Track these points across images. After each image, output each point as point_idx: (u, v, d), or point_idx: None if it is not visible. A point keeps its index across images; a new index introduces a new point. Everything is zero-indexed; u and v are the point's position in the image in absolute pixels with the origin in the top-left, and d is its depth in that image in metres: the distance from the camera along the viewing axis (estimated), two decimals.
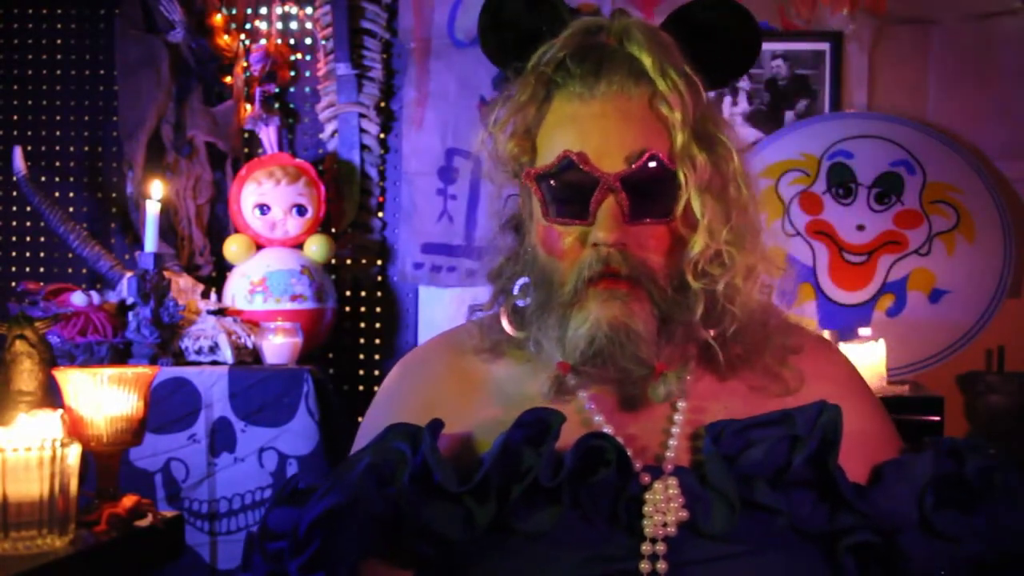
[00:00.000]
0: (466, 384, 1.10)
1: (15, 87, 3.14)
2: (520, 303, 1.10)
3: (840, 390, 1.06)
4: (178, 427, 2.42)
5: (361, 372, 3.09)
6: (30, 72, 3.14)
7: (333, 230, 3.02)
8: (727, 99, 2.92)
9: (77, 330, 2.42)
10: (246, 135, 3.07)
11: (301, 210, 2.83)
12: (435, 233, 3.01)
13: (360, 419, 1.18)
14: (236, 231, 2.88)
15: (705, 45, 1.05)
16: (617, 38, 1.03)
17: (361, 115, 3.03)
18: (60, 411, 1.50)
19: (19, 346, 1.60)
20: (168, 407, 2.40)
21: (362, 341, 3.09)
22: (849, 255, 2.80)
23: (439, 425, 0.99)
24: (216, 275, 2.97)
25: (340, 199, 3.02)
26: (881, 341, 2.52)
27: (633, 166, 0.98)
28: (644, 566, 0.95)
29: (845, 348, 2.40)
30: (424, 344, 1.21)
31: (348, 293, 3.09)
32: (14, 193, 3.05)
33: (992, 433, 2.68)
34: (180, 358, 2.51)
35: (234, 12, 3.06)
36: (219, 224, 3.00)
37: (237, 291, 2.77)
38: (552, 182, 1.01)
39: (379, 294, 3.09)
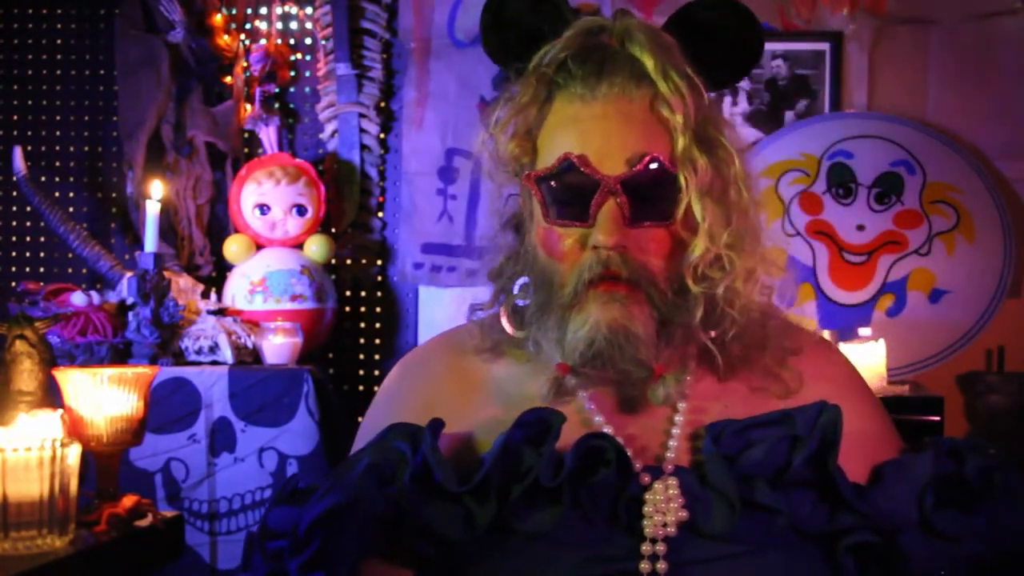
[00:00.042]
0: (466, 384, 1.10)
1: (15, 87, 3.14)
2: (520, 303, 1.10)
3: (840, 390, 1.06)
4: (178, 427, 2.42)
5: (361, 372, 3.09)
6: (30, 72, 3.14)
7: (333, 230, 3.02)
8: (727, 99, 2.92)
9: (77, 330, 2.42)
10: (246, 135, 3.08)
11: (301, 210, 2.83)
12: (435, 233, 3.01)
13: (360, 419, 1.18)
14: (236, 231, 2.88)
15: (707, 45, 1.04)
16: (619, 39, 1.03)
17: (361, 115, 3.03)
18: (60, 411, 1.50)
19: (19, 346, 1.60)
20: (168, 407, 2.40)
21: (362, 341, 3.09)
22: (849, 255, 2.80)
23: (439, 425, 0.99)
24: (216, 275, 2.97)
25: (340, 199, 3.02)
26: (881, 341, 2.52)
27: (634, 169, 0.97)
28: (644, 566, 0.95)
29: (845, 348, 2.40)
30: (424, 344, 1.21)
31: (348, 293, 3.09)
32: (14, 193, 3.05)
33: (992, 433, 2.68)
34: (180, 358, 2.51)
35: (234, 12, 3.06)
36: (219, 224, 3.00)
37: (237, 291, 2.77)
38: (552, 184, 1.01)
39: (379, 294, 3.09)
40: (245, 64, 3.01)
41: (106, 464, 1.53)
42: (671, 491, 0.97)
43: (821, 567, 0.98)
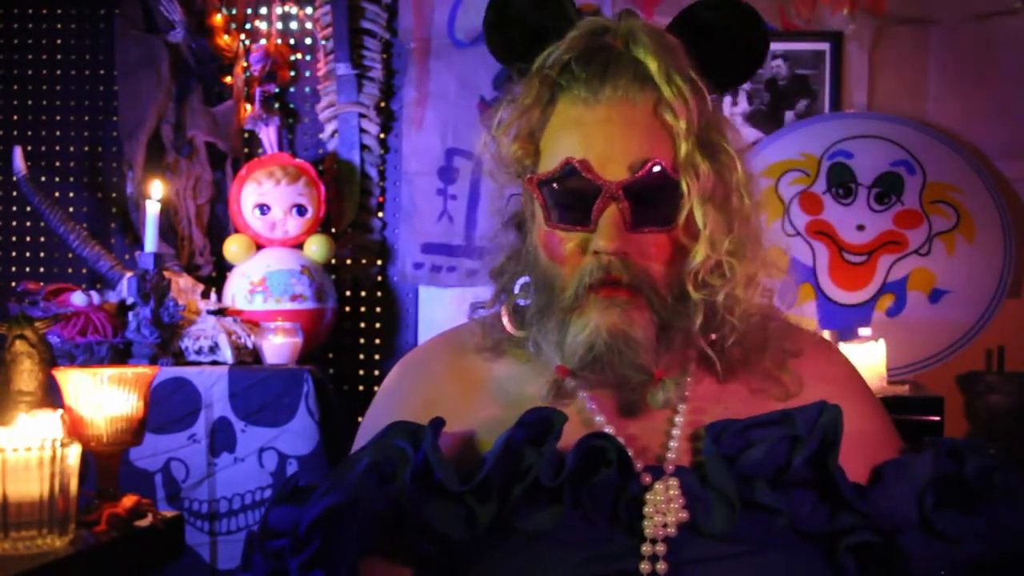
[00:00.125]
0: (467, 383, 1.10)
1: (15, 87, 3.14)
2: (521, 302, 1.10)
3: (840, 390, 1.06)
4: (178, 427, 2.42)
5: (361, 372, 3.09)
6: (30, 72, 3.14)
7: (333, 230, 3.02)
8: (727, 99, 2.91)
9: (77, 330, 2.42)
10: (246, 135, 3.07)
11: (301, 210, 2.83)
12: (435, 233, 3.01)
13: (360, 419, 1.18)
14: (236, 231, 2.88)
15: (711, 46, 1.04)
16: (623, 41, 1.02)
17: (361, 115, 3.03)
18: (60, 411, 1.50)
19: (19, 346, 1.60)
20: (168, 407, 2.40)
21: (362, 341, 3.09)
22: (849, 255, 2.80)
23: (440, 423, 0.99)
24: (216, 275, 2.97)
25: (340, 199, 3.02)
26: (881, 341, 2.52)
27: (636, 175, 0.97)
28: (644, 566, 0.95)
29: (845, 348, 2.40)
30: (424, 344, 1.21)
31: (348, 293, 3.09)
32: (14, 193, 3.05)
33: (992, 433, 2.68)
34: (180, 358, 2.51)
35: (234, 12, 3.06)
36: (219, 224, 3.00)
37: (237, 291, 2.77)
38: (554, 187, 1.01)
39: (379, 294, 3.09)
40: (245, 64, 3.01)
41: (106, 464, 1.52)
42: (672, 491, 0.97)
43: (821, 567, 0.98)
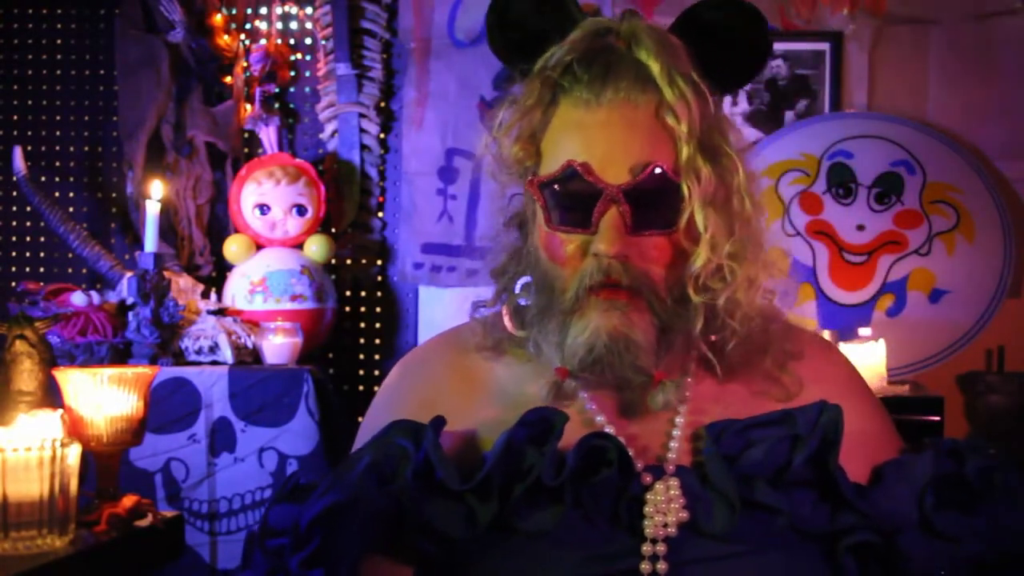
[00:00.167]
0: (467, 383, 1.10)
1: (15, 87, 3.14)
2: (523, 301, 1.10)
3: (840, 391, 1.05)
4: (178, 427, 2.42)
5: (361, 372, 3.09)
6: (30, 72, 3.14)
7: (333, 230, 3.02)
8: (727, 99, 2.91)
9: (77, 330, 2.42)
10: (246, 135, 3.07)
11: (301, 210, 2.83)
12: (435, 233, 3.01)
13: (360, 419, 1.18)
14: (236, 231, 2.88)
15: (714, 47, 1.04)
16: (626, 41, 1.02)
17: (361, 115, 3.03)
18: (60, 411, 1.50)
19: (19, 346, 1.60)
20: (168, 407, 2.40)
21: (362, 341, 3.09)
22: (849, 255, 2.80)
23: (441, 422, 0.99)
24: (216, 275, 2.97)
25: (340, 199, 3.02)
26: (881, 341, 2.52)
27: (637, 178, 0.97)
28: (645, 566, 0.95)
29: (845, 348, 2.40)
30: (425, 343, 1.21)
31: (348, 293, 3.09)
32: (14, 193, 3.05)
33: (992, 433, 2.68)
34: (180, 358, 2.51)
35: (234, 12, 3.06)
36: (219, 224, 3.00)
37: (237, 291, 2.77)
38: (556, 189, 1.01)
39: (379, 294, 3.09)
40: (245, 64, 3.01)
41: (106, 464, 1.53)
42: (672, 491, 0.97)
43: (821, 567, 0.98)
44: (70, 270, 3.11)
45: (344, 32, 2.98)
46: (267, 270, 2.77)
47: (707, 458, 0.98)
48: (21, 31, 3.14)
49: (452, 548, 0.98)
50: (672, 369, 1.04)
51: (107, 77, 3.10)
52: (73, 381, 1.49)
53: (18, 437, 1.31)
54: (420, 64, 3.01)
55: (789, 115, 2.92)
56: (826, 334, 2.62)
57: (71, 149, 3.13)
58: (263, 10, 3.09)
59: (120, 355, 2.46)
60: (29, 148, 3.00)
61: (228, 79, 3.02)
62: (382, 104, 3.06)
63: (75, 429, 1.49)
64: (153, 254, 2.47)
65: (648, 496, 0.97)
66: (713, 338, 1.04)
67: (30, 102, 3.14)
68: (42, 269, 3.14)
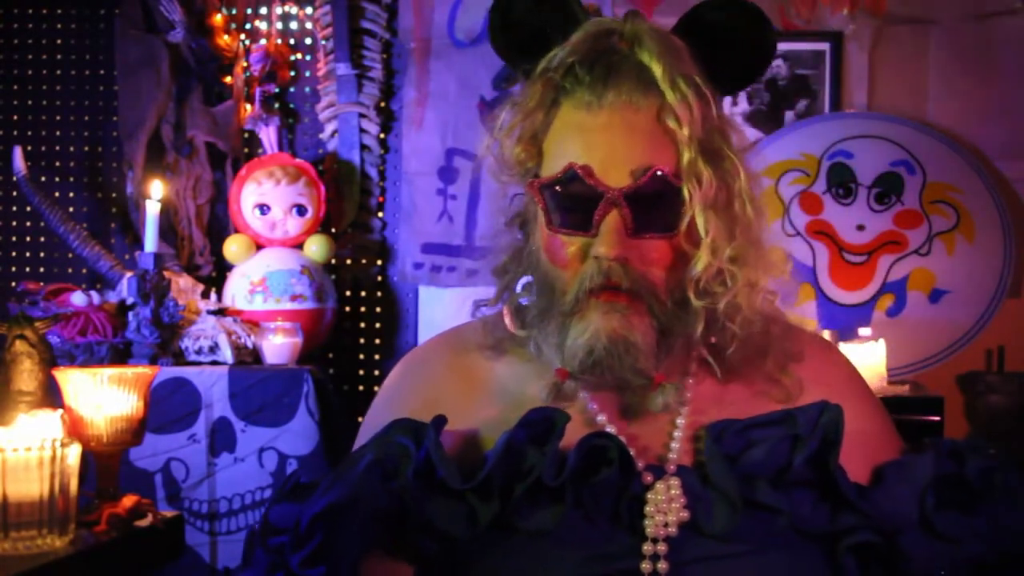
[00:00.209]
0: (468, 383, 1.10)
1: (15, 87, 3.14)
2: (524, 301, 1.10)
3: (841, 391, 1.05)
4: (178, 427, 2.42)
5: (361, 372, 3.09)
6: (30, 72, 3.14)
7: (333, 230, 3.02)
8: (727, 99, 2.91)
9: (77, 330, 2.42)
10: (246, 135, 3.07)
11: (301, 210, 2.83)
12: (435, 233, 3.01)
13: (360, 419, 1.18)
14: (236, 231, 2.88)
15: (716, 47, 1.04)
16: (628, 43, 1.02)
17: (361, 115, 3.03)
18: (60, 411, 1.50)
19: (19, 346, 1.60)
20: (168, 407, 2.40)
21: (362, 341, 3.09)
22: (849, 255, 2.80)
23: (442, 421, 1.00)
24: (216, 275, 2.97)
25: (340, 199, 3.02)
26: (881, 341, 2.52)
27: (638, 181, 0.97)
28: (645, 566, 0.95)
29: (845, 348, 2.40)
30: (425, 343, 1.21)
31: (348, 293, 3.09)
32: (14, 193, 3.05)
33: (992, 433, 2.67)
34: (180, 358, 2.51)
35: (234, 12, 3.06)
36: (219, 224, 3.00)
37: (237, 291, 2.77)
38: (557, 191, 1.01)
39: (379, 294, 3.09)
40: (245, 64, 3.01)
41: (106, 464, 1.53)
42: (673, 491, 0.97)
43: (822, 567, 0.98)
44: (70, 270, 3.11)
45: (344, 32, 2.98)
46: (267, 270, 2.77)
47: (708, 458, 0.98)
48: (21, 31, 3.14)
49: (453, 547, 0.98)
50: (672, 371, 1.04)
51: (107, 77, 3.10)
52: (73, 381, 1.49)
53: (18, 437, 1.31)
54: (420, 64, 3.01)
55: (789, 115, 2.92)
56: (826, 334, 2.62)
57: (71, 149, 3.13)
58: (263, 10, 3.09)
59: (120, 355, 2.46)
60: (29, 148, 3.00)
61: (228, 79, 3.02)
62: (382, 104, 3.06)
63: (75, 429, 1.49)
64: (153, 254, 2.47)
65: (649, 496, 0.97)
66: (713, 340, 1.04)
67: (30, 102, 3.14)
68: (42, 269, 3.14)
